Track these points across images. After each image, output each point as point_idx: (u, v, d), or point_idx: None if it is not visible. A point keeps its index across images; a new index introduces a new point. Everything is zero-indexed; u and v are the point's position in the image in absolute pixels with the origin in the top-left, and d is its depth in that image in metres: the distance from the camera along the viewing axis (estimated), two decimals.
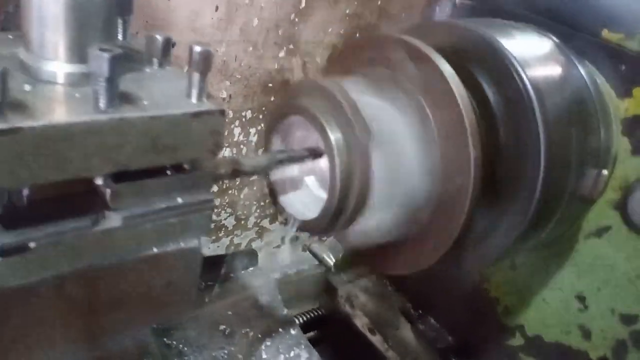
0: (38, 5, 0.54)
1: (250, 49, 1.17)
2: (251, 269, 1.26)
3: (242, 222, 1.44)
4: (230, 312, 1.15)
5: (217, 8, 1.07)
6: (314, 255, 1.67)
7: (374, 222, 0.72)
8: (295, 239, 1.67)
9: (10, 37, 0.64)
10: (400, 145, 0.72)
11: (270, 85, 1.26)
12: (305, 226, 0.75)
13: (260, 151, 1.37)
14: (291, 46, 1.24)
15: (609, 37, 0.86)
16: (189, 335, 1.06)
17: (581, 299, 0.96)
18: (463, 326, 1.17)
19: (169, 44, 0.65)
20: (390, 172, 0.70)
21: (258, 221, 1.49)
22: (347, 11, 1.28)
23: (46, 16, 0.54)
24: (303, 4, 1.20)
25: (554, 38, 0.89)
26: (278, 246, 1.64)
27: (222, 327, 1.12)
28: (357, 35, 1.35)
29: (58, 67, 0.56)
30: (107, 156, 0.54)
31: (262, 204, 1.47)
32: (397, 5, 1.37)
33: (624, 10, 0.85)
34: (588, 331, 0.95)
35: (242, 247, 1.52)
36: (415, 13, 1.43)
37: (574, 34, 0.89)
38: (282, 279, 1.41)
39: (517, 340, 1.07)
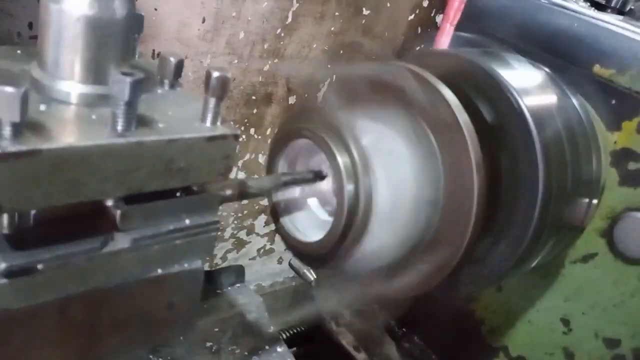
0: (57, 25, 0.53)
1: (236, 61, 1.18)
2: (238, 285, 1.25)
3: (219, 233, 1.44)
4: (217, 329, 1.13)
5: (204, 20, 1.08)
6: (295, 269, 1.67)
7: (376, 246, 0.73)
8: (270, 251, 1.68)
9: (19, 52, 0.63)
10: (404, 170, 0.73)
11: (254, 97, 1.27)
12: (307, 248, 0.76)
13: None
14: (276, 60, 1.25)
15: (600, 72, 0.90)
16: (176, 352, 1.05)
17: (566, 322, 0.99)
18: (448, 345, 1.18)
19: (181, 66, 0.65)
20: (393, 196, 0.71)
21: (235, 232, 1.49)
22: (332, 28, 1.30)
23: (65, 36, 0.53)
24: (289, 19, 1.21)
25: (547, 69, 0.92)
26: (254, 258, 1.64)
27: (209, 344, 1.11)
28: (341, 51, 1.38)
29: (73, 87, 0.55)
30: (122, 179, 0.54)
31: (239, 215, 1.47)
32: (381, 24, 1.40)
33: (616, 46, 0.89)
34: (572, 354, 0.98)
35: (218, 258, 1.52)
36: (399, 32, 1.46)
37: (567, 67, 0.92)
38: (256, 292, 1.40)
39: None
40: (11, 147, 0.45)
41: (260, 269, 1.69)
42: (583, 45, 0.92)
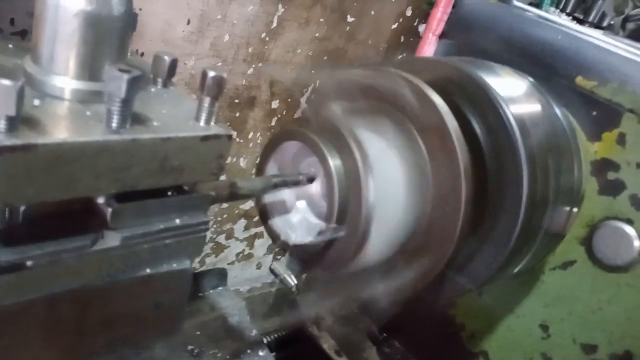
0: (53, 20, 0.53)
1: (220, 64, 1.18)
2: (220, 288, 1.25)
3: None
4: (198, 332, 1.12)
5: (189, 21, 1.08)
6: (275, 274, 1.67)
7: (365, 249, 0.74)
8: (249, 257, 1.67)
9: (11, 46, 0.63)
10: (393, 174, 0.74)
11: (237, 101, 1.27)
12: (296, 250, 0.76)
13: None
14: (260, 64, 1.26)
15: (582, 84, 0.93)
16: (157, 355, 1.03)
17: (544, 327, 1.01)
18: (428, 350, 1.20)
19: (175, 65, 0.65)
20: (383, 200, 0.72)
21: (214, 237, 1.49)
22: (317, 34, 1.32)
23: (61, 31, 0.53)
24: (274, 24, 1.22)
25: (531, 79, 0.95)
26: (232, 263, 1.63)
27: (190, 347, 1.09)
28: (325, 58, 1.39)
29: (67, 82, 0.55)
30: (116, 176, 0.54)
31: (218, 219, 1.46)
32: (365, 31, 1.42)
33: (598, 59, 0.92)
34: (550, 359, 1.01)
35: (196, 262, 1.51)
36: (382, 40, 1.48)
37: (550, 77, 0.95)
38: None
39: None
40: (6, 141, 0.45)
41: (239, 274, 1.68)
42: (566, 58, 0.95)
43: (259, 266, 1.72)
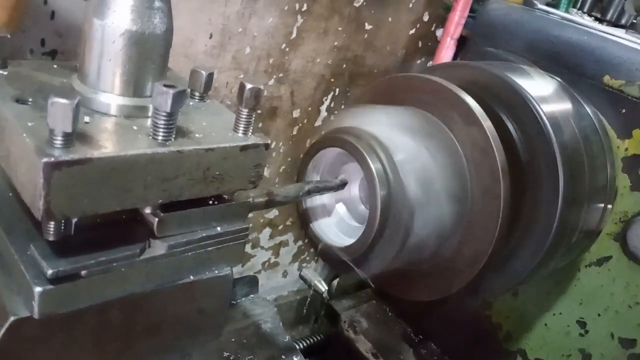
0: (100, 40, 0.56)
1: (242, 76, 1.19)
2: (252, 296, 1.26)
3: None
4: (233, 339, 1.14)
5: (211, 35, 1.09)
6: (305, 281, 1.68)
7: (405, 250, 0.75)
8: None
9: (55, 66, 0.66)
10: (432, 176, 0.76)
11: (259, 112, 1.28)
12: (338, 252, 0.77)
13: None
14: (280, 75, 1.27)
15: (610, 83, 0.93)
16: None
17: (582, 324, 1.01)
18: (464, 351, 1.20)
19: (211, 79, 0.67)
20: (422, 202, 0.73)
21: None
22: (336, 43, 1.33)
23: (108, 51, 0.56)
24: (294, 35, 1.23)
25: (560, 80, 0.95)
26: (258, 272, 1.64)
27: (226, 354, 1.11)
28: (344, 66, 1.40)
29: (113, 99, 0.58)
30: (163, 187, 0.56)
31: None
32: (382, 39, 1.43)
33: (625, 58, 0.92)
34: (588, 355, 1.00)
35: None
36: (399, 46, 1.49)
37: (578, 78, 0.96)
38: None
39: None
40: (64, 156, 0.47)
41: (265, 282, 1.68)
42: (593, 58, 0.96)
43: (284, 274, 1.72)
